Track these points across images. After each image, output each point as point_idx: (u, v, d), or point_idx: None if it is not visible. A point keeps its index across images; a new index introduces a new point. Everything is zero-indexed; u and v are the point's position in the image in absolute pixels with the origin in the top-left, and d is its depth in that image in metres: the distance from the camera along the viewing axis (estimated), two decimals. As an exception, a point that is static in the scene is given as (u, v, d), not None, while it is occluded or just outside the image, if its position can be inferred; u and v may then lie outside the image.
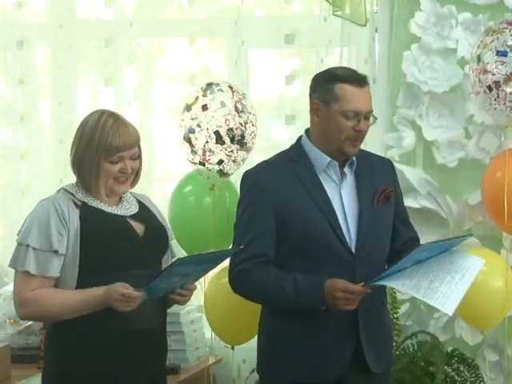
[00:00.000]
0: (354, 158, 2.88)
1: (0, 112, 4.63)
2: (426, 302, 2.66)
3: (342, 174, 2.86)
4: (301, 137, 2.94)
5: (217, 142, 3.51)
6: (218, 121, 3.51)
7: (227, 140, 3.52)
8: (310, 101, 2.89)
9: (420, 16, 3.97)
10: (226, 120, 3.51)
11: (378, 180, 2.91)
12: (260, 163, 2.98)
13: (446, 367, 3.74)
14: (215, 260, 2.79)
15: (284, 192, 2.81)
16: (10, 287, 3.99)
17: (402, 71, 4.00)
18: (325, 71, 2.94)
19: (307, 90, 2.94)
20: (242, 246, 2.78)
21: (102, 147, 2.74)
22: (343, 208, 2.83)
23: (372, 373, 2.83)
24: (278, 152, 3.00)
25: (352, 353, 2.80)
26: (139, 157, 2.85)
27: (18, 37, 4.41)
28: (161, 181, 4.01)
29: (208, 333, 3.90)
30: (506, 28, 3.52)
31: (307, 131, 2.93)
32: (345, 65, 4.00)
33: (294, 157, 2.89)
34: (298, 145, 2.93)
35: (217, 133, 3.50)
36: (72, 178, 4.38)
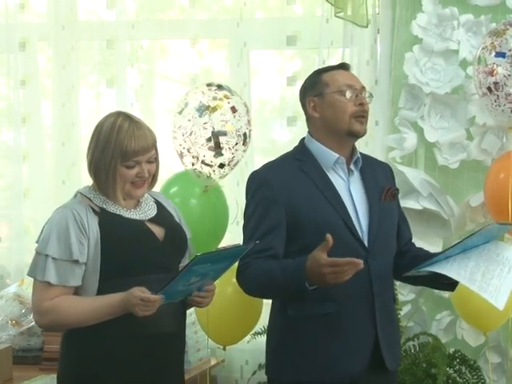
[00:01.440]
0: (359, 155, 2.90)
1: (2, 113, 4.64)
2: (480, 295, 2.60)
3: (349, 171, 2.88)
4: (304, 138, 2.95)
5: (243, 144, 3.55)
6: (244, 122, 3.54)
7: (248, 141, 3.55)
8: (305, 104, 2.91)
9: (422, 17, 3.97)
10: (249, 121, 3.56)
11: (380, 179, 2.93)
12: (266, 164, 2.98)
13: (447, 369, 3.74)
14: (232, 257, 2.73)
15: (294, 190, 2.81)
16: (12, 288, 4.01)
17: (403, 72, 4.00)
18: (308, 77, 2.98)
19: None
20: (257, 241, 2.76)
21: (119, 152, 2.71)
22: (353, 203, 2.83)
23: (386, 370, 2.82)
24: (277, 153, 3.02)
25: (372, 350, 2.79)
26: (156, 159, 2.81)
27: (20, 38, 4.42)
28: (161, 182, 4.00)
29: (209, 334, 3.91)
30: (507, 30, 3.53)
31: (310, 133, 2.94)
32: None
33: (299, 156, 2.90)
34: (302, 145, 2.94)
35: (245, 134, 3.54)
36: (74, 180, 4.39)
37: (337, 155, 2.85)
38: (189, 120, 3.51)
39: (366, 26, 3.98)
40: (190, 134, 3.52)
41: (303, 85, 2.96)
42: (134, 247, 2.71)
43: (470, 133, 3.96)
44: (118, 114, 2.80)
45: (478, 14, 3.95)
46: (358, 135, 2.86)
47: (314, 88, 2.87)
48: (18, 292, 3.93)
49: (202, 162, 3.54)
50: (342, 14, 3.95)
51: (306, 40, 4.21)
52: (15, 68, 4.42)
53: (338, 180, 2.86)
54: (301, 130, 4.20)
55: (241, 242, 3.40)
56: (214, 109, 3.51)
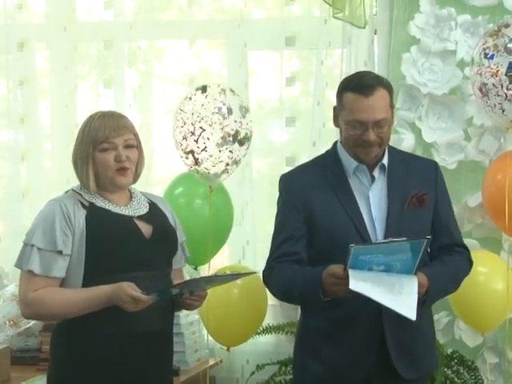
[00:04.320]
0: (386, 162, 2.87)
1: (0, 114, 4.64)
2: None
3: (372, 178, 2.85)
4: (336, 142, 2.94)
5: None
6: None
7: None
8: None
9: (419, 18, 3.97)
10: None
11: (413, 183, 2.87)
12: (296, 167, 3.04)
13: (445, 369, 3.73)
14: (230, 279, 2.87)
15: (311, 195, 2.82)
16: (10, 289, 4.01)
17: (401, 73, 4.00)
18: (345, 78, 2.96)
19: (307, 92, 2.96)
20: (256, 273, 2.87)
21: (90, 139, 2.76)
22: (371, 211, 2.82)
23: (404, 379, 2.80)
24: (276, 154, 3.03)
25: (376, 355, 2.77)
26: (138, 147, 2.83)
27: (18, 39, 4.42)
28: (160, 182, 4.01)
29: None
30: (500, 31, 3.53)
31: None
32: (344, 67, 4.02)
33: (327, 160, 2.91)
34: (333, 149, 2.94)
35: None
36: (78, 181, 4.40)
37: (356, 163, 2.83)
38: (235, 121, 3.53)
39: (364, 27, 3.98)
40: (236, 133, 3.54)
41: (339, 85, 2.90)
42: (118, 242, 2.73)
43: (468, 133, 3.96)
44: (97, 112, 2.86)
45: (475, 14, 3.95)
46: (363, 162, 2.82)
47: (338, 102, 2.83)
48: (15, 292, 3.92)
49: (235, 162, 3.57)
50: (340, 14, 3.95)
51: (304, 40, 4.21)
52: (13, 68, 4.42)
53: (358, 187, 2.84)
54: (299, 130, 4.21)
55: (240, 243, 3.43)
56: (247, 110, 3.59)
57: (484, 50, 3.52)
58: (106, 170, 2.77)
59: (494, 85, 3.49)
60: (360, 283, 2.55)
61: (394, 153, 2.93)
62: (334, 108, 2.87)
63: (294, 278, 2.77)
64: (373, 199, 2.83)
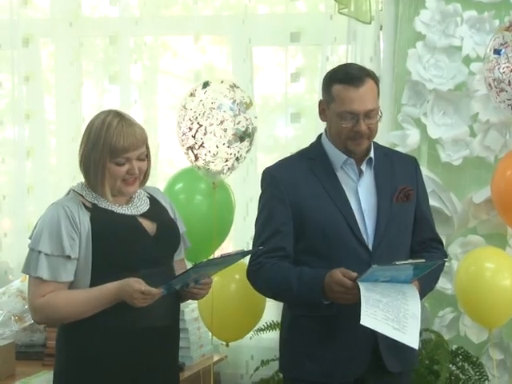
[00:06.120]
0: (372, 156, 2.87)
1: (6, 109, 4.64)
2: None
3: (360, 172, 2.85)
4: (321, 134, 2.94)
5: None
6: None
7: None
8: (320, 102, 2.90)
9: (425, 14, 3.97)
10: None
11: (398, 178, 2.89)
12: (280, 160, 2.99)
13: (450, 365, 3.73)
14: (233, 260, 2.81)
15: (301, 190, 2.81)
16: (15, 284, 4.02)
17: (406, 69, 3.99)
18: (329, 71, 2.93)
19: (312, 88, 2.95)
20: (261, 247, 2.80)
21: (107, 149, 2.74)
22: (360, 205, 2.82)
23: (390, 372, 2.81)
24: (281, 150, 3.02)
25: (371, 352, 2.78)
26: (147, 156, 2.84)
27: (24, 34, 4.41)
28: (166, 178, 4.00)
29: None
30: (509, 27, 3.53)
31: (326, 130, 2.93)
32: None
33: (312, 154, 2.89)
34: (317, 142, 2.93)
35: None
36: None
37: (345, 156, 2.83)
38: (236, 116, 3.52)
39: (370, 23, 3.98)
40: (236, 129, 3.52)
41: (323, 78, 2.89)
42: (124, 242, 2.74)
43: (473, 129, 3.95)
44: (109, 111, 2.83)
45: (481, 10, 3.94)
46: (354, 154, 2.83)
47: (326, 94, 2.83)
48: (20, 288, 3.93)
49: (237, 158, 3.56)
50: (346, 10, 3.94)
51: (309, 36, 4.20)
52: (18, 64, 4.41)
53: (346, 180, 2.84)
54: (304, 126, 4.21)
55: (245, 239, 3.38)
56: (249, 105, 3.57)
57: (501, 45, 3.52)
58: (115, 180, 2.78)
59: (505, 80, 3.48)
60: (371, 319, 2.56)
61: (377, 147, 2.94)
62: (320, 102, 2.86)
63: (288, 278, 2.75)
64: (361, 193, 2.84)
